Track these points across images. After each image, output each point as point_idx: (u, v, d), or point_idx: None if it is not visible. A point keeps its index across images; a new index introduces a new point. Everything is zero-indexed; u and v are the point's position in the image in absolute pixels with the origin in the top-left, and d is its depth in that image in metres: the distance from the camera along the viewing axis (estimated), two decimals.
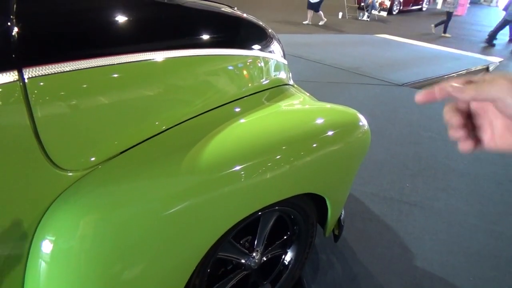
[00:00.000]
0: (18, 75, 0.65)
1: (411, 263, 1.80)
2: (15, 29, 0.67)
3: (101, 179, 0.81)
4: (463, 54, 7.40)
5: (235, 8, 1.46)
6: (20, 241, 0.73)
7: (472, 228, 2.09)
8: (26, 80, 0.66)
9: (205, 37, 1.08)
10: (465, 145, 0.44)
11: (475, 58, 7.19)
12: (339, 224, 1.54)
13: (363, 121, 1.33)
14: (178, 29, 1.03)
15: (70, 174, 0.77)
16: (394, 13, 13.64)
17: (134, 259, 0.83)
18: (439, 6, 18.18)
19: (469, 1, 15.86)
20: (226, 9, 1.34)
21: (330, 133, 1.21)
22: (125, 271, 0.83)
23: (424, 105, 3.97)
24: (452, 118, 0.44)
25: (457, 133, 0.44)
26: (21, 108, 0.66)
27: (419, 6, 15.84)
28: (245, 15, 1.37)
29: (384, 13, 12.74)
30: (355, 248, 1.85)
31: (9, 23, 0.67)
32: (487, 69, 6.63)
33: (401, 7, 14.18)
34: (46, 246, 0.73)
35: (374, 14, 12.00)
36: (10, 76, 0.64)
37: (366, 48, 7.03)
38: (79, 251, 0.76)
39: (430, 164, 2.79)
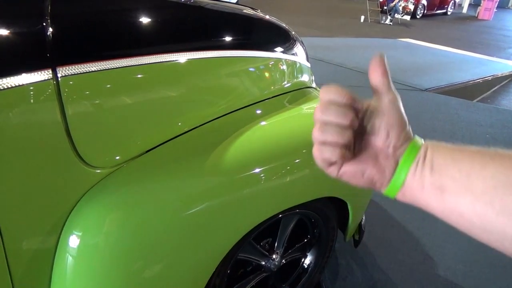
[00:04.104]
0: (52, 74, 0.67)
1: (433, 271, 1.76)
2: (50, 29, 0.69)
3: (127, 178, 0.83)
4: (489, 60, 7.20)
5: (258, 10, 1.46)
6: (49, 235, 0.75)
7: None
8: (59, 79, 0.68)
9: (228, 39, 1.09)
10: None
11: (502, 64, 6.97)
12: (359, 229, 1.52)
13: None
14: (202, 31, 1.04)
15: (98, 171, 0.79)
16: (417, 17, 13.40)
17: (157, 257, 0.85)
18: (464, 11, 17.77)
19: (496, 6, 15.44)
20: (249, 11, 1.35)
21: None
22: (147, 268, 0.84)
23: (448, 112, 3.88)
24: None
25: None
26: (54, 105, 0.68)
27: (444, 10, 15.52)
28: (268, 17, 1.37)
29: (407, 17, 12.54)
30: (375, 254, 1.82)
31: (44, 24, 0.69)
32: None
33: (425, 11, 13.92)
34: (73, 241, 0.75)
35: (397, 18, 11.83)
36: (45, 75, 0.67)
37: (388, 52, 6.91)
38: (104, 247, 0.78)
39: None
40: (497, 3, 15.30)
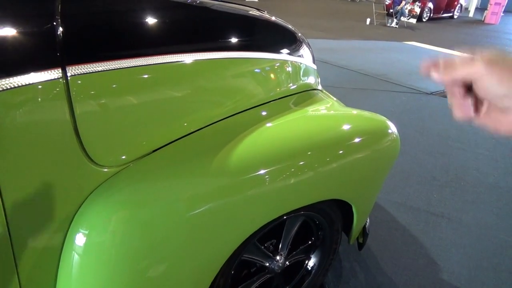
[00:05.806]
0: (62, 73, 0.68)
1: (437, 276, 1.75)
2: (60, 29, 0.70)
3: (133, 177, 0.83)
4: None
5: (265, 11, 1.47)
6: (56, 233, 0.76)
7: (503, 244, 2.02)
8: (68, 78, 0.69)
9: (235, 40, 1.09)
10: (462, 111, 0.42)
11: None
12: (364, 232, 1.52)
13: (393, 128, 1.30)
14: (209, 32, 1.04)
15: (105, 170, 0.79)
16: (424, 20, 13.34)
17: (162, 256, 0.85)
18: (471, 14, 17.68)
19: (503, 10, 15.33)
20: (255, 13, 1.35)
21: (357, 139, 1.20)
22: (152, 267, 0.85)
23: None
24: (454, 88, 0.42)
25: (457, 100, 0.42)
26: (63, 104, 0.69)
27: (450, 14, 15.42)
28: (274, 18, 1.38)
29: (413, 20, 12.48)
30: (379, 258, 1.82)
31: (54, 23, 0.70)
32: None
33: (432, 14, 13.85)
34: (80, 239, 0.76)
35: (403, 20, 11.78)
36: (54, 74, 0.67)
37: (394, 55, 6.92)
38: (110, 246, 0.78)
39: (459, 175, 2.70)
40: (504, 7, 15.19)
